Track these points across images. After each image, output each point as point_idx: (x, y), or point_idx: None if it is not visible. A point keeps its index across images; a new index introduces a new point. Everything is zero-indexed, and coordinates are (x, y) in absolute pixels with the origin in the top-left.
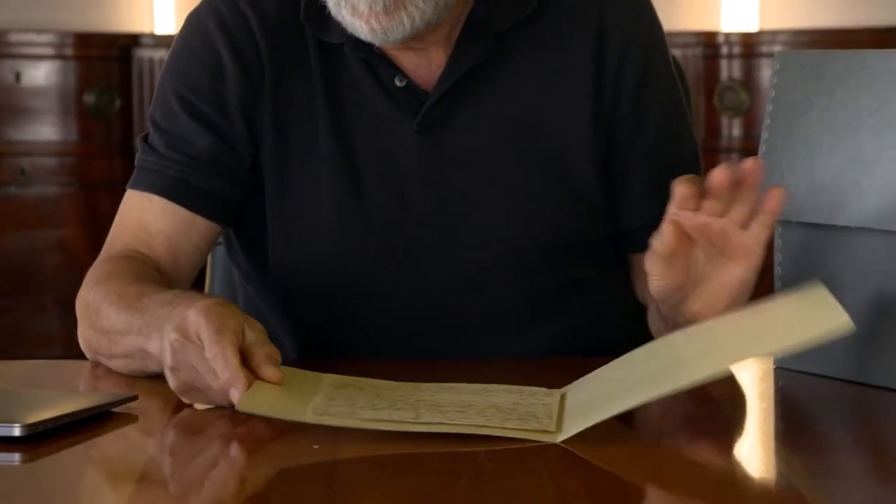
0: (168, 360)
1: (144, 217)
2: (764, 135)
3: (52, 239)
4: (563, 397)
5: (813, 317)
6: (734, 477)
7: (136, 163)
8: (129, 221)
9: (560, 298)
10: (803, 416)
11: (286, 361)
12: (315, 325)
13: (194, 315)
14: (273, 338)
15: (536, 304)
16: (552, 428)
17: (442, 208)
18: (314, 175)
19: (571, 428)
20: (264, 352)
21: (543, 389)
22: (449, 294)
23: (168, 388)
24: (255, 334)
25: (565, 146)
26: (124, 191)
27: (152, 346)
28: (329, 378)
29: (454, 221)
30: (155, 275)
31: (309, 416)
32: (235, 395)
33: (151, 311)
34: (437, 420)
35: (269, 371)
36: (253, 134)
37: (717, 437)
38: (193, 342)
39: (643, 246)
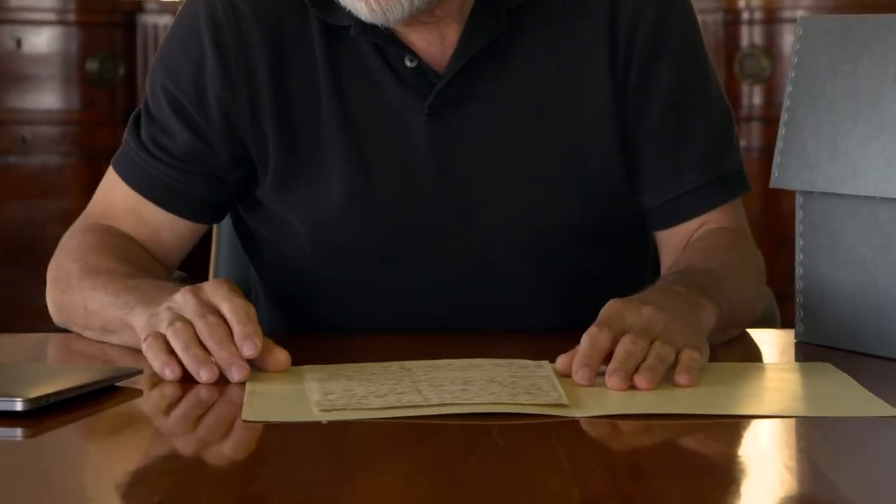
0: (164, 317)
1: (130, 203)
2: (786, 102)
3: (55, 210)
4: (555, 370)
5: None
6: (756, 456)
7: (124, 135)
8: (115, 200)
9: (579, 286)
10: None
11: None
12: (318, 313)
13: (213, 283)
14: (269, 319)
15: (554, 293)
16: (565, 401)
17: (455, 194)
18: (320, 163)
19: (596, 408)
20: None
21: (530, 361)
22: (462, 283)
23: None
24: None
25: (583, 126)
26: None
27: (135, 318)
28: (308, 371)
29: (468, 208)
30: (148, 259)
31: (317, 414)
32: (238, 374)
33: (142, 290)
34: (448, 400)
35: (281, 353)
36: (233, 130)
37: (739, 415)
38: (205, 302)
39: (666, 222)
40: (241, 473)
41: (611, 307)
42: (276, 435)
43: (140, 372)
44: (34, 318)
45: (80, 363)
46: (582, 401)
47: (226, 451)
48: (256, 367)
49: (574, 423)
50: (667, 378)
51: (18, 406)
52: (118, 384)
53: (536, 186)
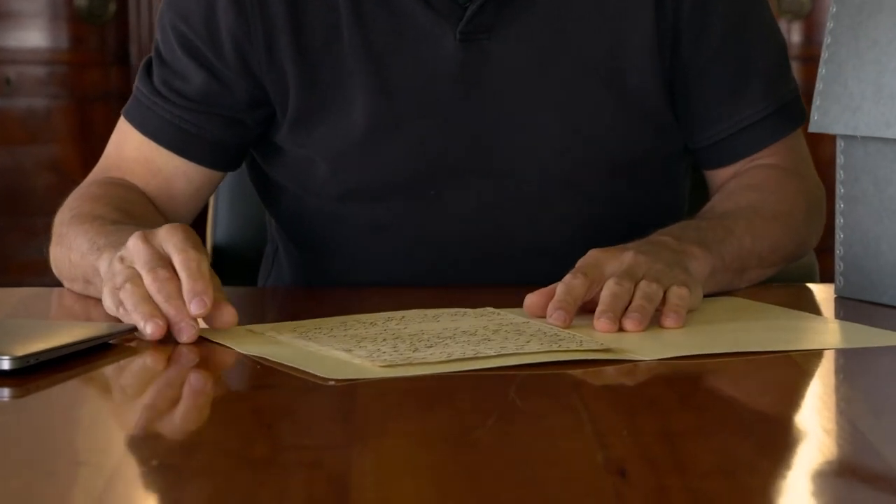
0: (118, 271)
1: (142, 152)
2: (826, 40)
3: (43, 156)
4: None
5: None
6: (789, 418)
7: (135, 83)
8: (127, 151)
9: (613, 226)
10: (864, 350)
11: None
12: (338, 263)
13: (166, 229)
14: (289, 274)
15: (589, 233)
16: (608, 347)
17: (486, 125)
18: (343, 97)
19: (661, 350)
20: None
21: (489, 309)
22: (493, 219)
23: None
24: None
25: (624, 53)
26: (121, 102)
27: (101, 264)
28: (271, 329)
29: (500, 140)
30: (148, 209)
31: (378, 371)
32: (186, 334)
33: (119, 234)
34: (509, 350)
35: (227, 311)
36: (249, 68)
37: (772, 376)
38: (156, 251)
39: (723, 160)
40: (242, 436)
41: (588, 256)
42: (278, 396)
43: (134, 329)
44: (20, 272)
45: (71, 319)
46: (628, 346)
47: (226, 412)
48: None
49: (597, 381)
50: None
51: (5, 364)
52: (112, 342)
53: (573, 117)
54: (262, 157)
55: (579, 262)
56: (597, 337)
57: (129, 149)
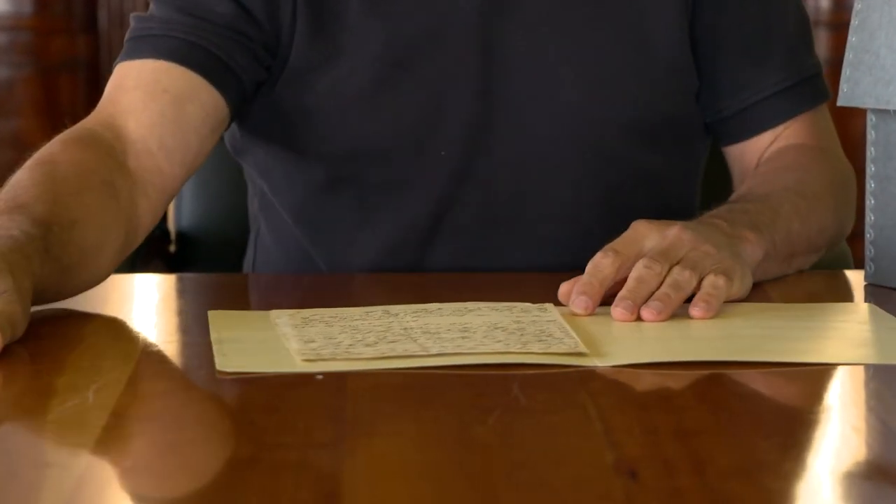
0: None
1: (145, 77)
2: (857, 6)
3: (4, 131)
4: (563, 314)
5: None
6: (818, 416)
7: (128, 35)
8: (124, 87)
9: (629, 193)
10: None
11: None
12: (330, 242)
13: None
14: (297, 250)
15: (601, 198)
16: (583, 349)
17: (499, 81)
18: (349, 46)
19: (624, 355)
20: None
21: (532, 305)
22: (506, 181)
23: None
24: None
25: (647, 10)
26: (89, 72)
27: None
28: (279, 315)
29: (513, 96)
30: (95, 178)
31: (301, 365)
32: None
33: None
34: (450, 350)
35: None
36: (273, 10)
37: (796, 370)
38: None
39: (744, 133)
40: (225, 434)
41: (631, 228)
42: (263, 390)
43: None
44: None
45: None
46: (604, 348)
47: (206, 408)
48: None
49: (606, 376)
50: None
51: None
52: None
53: (591, 75)
54: (255, 122)
55: (620, 237)
56: (590, 332)
57: (129, 81)
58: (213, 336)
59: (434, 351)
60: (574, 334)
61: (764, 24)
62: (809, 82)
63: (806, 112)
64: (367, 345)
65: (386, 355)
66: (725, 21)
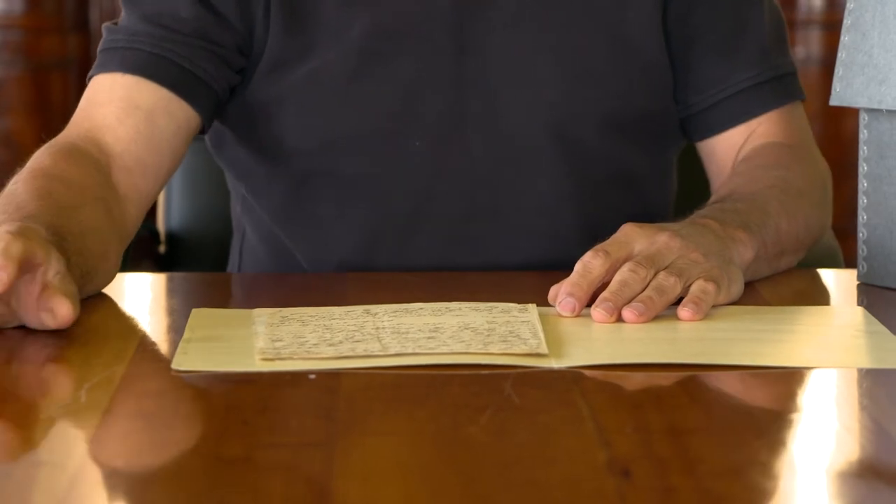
0: None
1: (117, 92)
2: (849, 5)
3: None
4: (542, 316)
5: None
6: (810, 415)
7: (100, 46)
8: (99, 98)
9: (606, 189)
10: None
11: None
12: (327, 217)
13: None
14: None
15: (579, 193)
16: (543, 349)
17: (477, 73)
18: (326, 39)
19: (581, 357)
20: (63, 285)
21: (515, 305)
22: (483, 173)
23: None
24: (58, 267)
25: (624, 4)
26: (81, 71)
27: None
28: (260, 314)
29: (491, 88)
30: (86, 182)
31: (259, 364)
32: None
33: None
34: (410, 350)
35: (57, 302)
36: (244, 7)
37: (787, 370)
38: None
39: (714, 127)
40: (216, 433)
41: (621, 230)
42: (256, 389)
43: None
44: None
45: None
46: (565, 349)
47: (198, 407)
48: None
49: (600, 375)
50: (674, 318)
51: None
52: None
53: (569, 68)
54: (232, 120)
55: (610, 238)
56: (565, 333)
57: (102, 96)
58: (185, 335)
59: (393, 351)
60: (541, 335)
61: (736, 21)
62: (782, 80)
63: (779, 109)
64: (331, 344)
65: (344, 355)
66: (697, 17)
